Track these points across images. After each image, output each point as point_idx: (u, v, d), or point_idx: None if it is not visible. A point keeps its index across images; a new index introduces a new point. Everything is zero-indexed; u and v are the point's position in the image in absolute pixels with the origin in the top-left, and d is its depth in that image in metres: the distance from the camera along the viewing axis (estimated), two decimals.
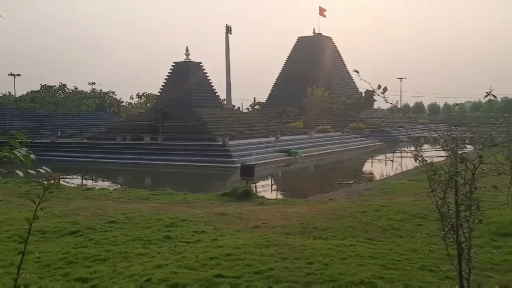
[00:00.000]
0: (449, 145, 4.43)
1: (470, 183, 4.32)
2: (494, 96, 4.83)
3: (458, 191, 4.37)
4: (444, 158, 5.07)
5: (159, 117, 37.01)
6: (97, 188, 18.46)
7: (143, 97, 64.94)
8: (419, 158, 4.64)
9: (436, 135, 4.59)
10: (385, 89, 4.16)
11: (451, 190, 4.42)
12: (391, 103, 4.32)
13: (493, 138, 4.42)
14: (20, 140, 2.38)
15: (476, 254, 4.86)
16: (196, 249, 7.38)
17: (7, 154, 2.31)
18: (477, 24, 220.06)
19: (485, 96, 4.87)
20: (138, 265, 6.55)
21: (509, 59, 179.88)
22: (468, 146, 4.76)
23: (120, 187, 21.97)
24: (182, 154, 31.14)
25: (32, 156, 2.31)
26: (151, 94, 62.91)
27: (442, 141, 4.29)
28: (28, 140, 2.57)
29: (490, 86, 4.82)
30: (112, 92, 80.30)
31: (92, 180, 26.51)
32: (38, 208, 2.34)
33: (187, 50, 43.57)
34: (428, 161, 4.59)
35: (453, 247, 4.49)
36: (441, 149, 4.41)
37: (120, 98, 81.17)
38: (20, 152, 2.27)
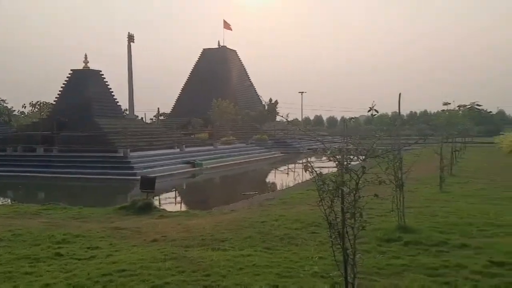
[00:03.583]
0: (336, 156, 4.69)
1: (354, 192, 4.60)
2: (376, 110, 5.22)
3: (344, 200, 4.63)
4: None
5: (54, 127, 34.89)
6: None
7: (37, 106, 61.13)
8: (309, 169, 4.86)
9: (324, 147, 4.82)
10: (276, 103, 4.31)
11: (338, 199, 4.67)
12: (282, 116, 4.48)
13: (374, 150, 4.76)
14: None
15: (361, 260, 5.16)
16: (88, 266, 7.02)
17: None
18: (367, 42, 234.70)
19: (369, 111, 5.25)
20: (24, 286, 6.11)
21: (402, 74, 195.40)
22: (356, 157, 5.06)
23: (8, 201, 20.30)
24: (80, 167, 29.66)
25: None
26: (46, 103, 59.41)
27: (328, 152, 4.51)
28: None
29: (373, 101, 5.21)
30: (2, 100, 74.37)
31: None
32: None
33: (85, 58, 41.59)
34: (318, 172, 4.81)
35: (341, 253, 4.73)
36: (328, 160, 4.65)
37: (12, 107, 75.81)
38: None
